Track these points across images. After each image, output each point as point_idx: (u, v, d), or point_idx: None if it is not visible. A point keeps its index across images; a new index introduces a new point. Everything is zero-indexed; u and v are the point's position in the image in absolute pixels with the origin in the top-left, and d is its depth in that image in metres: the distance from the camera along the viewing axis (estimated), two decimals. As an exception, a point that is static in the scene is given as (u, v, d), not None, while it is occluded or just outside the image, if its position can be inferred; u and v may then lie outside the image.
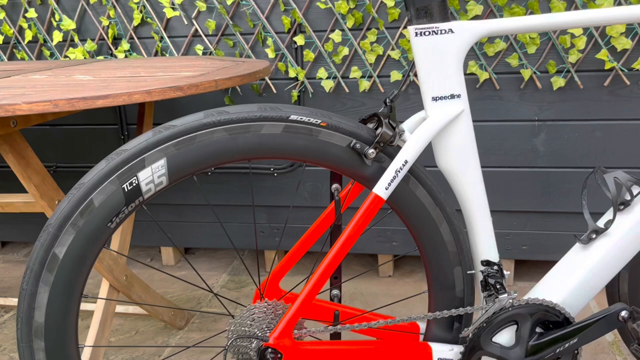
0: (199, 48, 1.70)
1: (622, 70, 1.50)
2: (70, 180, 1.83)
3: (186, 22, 1.69)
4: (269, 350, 0.82)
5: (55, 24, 1.76)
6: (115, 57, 1.75)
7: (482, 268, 0.90)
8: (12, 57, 1.83)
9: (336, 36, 1.60)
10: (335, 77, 1.65)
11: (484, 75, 1.56)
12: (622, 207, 0.90)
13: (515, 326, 0.90)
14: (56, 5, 1.73)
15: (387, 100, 0.84)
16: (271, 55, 1.65)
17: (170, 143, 0.76)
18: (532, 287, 0.96)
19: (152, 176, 0.76)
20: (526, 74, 1.54)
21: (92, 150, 1.86)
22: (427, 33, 0.79)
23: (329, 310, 0.98)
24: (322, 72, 1.65)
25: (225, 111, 0.78)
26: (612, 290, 1.07)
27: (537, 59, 1.54)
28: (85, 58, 1.76)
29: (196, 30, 1.69)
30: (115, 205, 0.76)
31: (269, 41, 1.65)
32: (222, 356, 0.87)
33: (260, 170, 1.77)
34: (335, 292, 1.02)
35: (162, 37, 1.71)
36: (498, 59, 1.55)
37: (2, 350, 1.53)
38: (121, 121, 1.81)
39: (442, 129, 0.83)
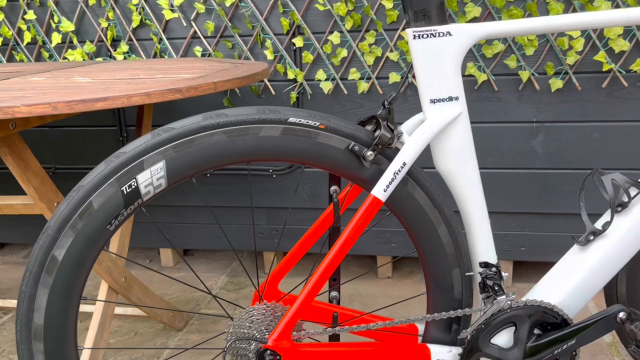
0: (197, 50, 1.70)
1: (620, 72, 1.51)
2: (69, 182, 1.84)
3: (185, 24, 1.69)
4: (268, 352, 0.82)
5: (54, 25, 1.76)
6: (114, 58, 1.76)
7: (481, 270, 0.90)
8: (10, 59, 1.83)
9: (335, 38, 1.61)
10: (334, 79, 1.65)
11: (482, 77, 1.56)
12: (620, 208, 0.90)
13: (514, 328, 0.90)
14: (55, 7, 1.74)
15: (386, 102, 0.84)
16: (270, 56, 1.66)
17: (169, 145, 0.76)
18: (530, 288, 0.96)
19: (151, 178, 0.76)
20: (524, 75, 1.54)
21: (91, 152, 1.86)
22: (425, 36, 0.79)
23: (328, 312, 0.98)
24: (320, 74, 1.65)
25: (224, 114, 0.78)
26: (610, 291, 1.07)
27: (535, 61, 1.54)
28: (84, 60, 1.77)
29: (195, 32, 1.69)
30: (114, 208, 0.76)
31: (268, 43, 1.65)
32: (221, 358, 0.87)
33: (259, 172, 1.78)
34: (334, 293, 1.03)
35: (160, 39, 1.72)
36: (496, 60, 1.56)
37: (1, 352, 1.53)
38: (120, 123, 1.81)
39: (440, 131, 0.83)
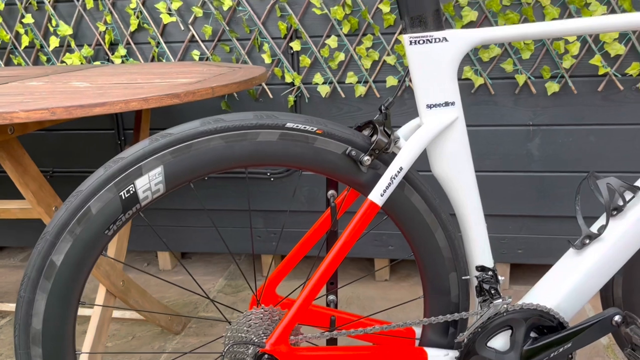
0: (195, 53, 1.71)
1: (615, 75, 1.52)
2: (66, 186, 1.84)
3: (183, 28, 1.70)
4: (266, 356, 0.82)
5: (52, 29, 1.76)
6: (112, 62, 1.76)
7: (477, 273, 0.91)
8: (8, 63, 1.83)
9: (332, 42, 1.61)
10: (331, 83, 1.66)
11: (479, 81, 1.57)
12: (615, 212, 0.91)
13: (510, 331, 0.90)
14: (53, 11, 1.74)
15: (382, 107, 0.84)
16: (267, 60, 1.66)
17: (167, 151, 0.77)
18: (527, 291, 0.97)
19: (149, 184, 0.77)
20: (521, 79, 1.55)
21: (88, 155, 1.86)
22: (421, 42, 0.80)
23: (326, 315, 0.98)
24: (318, 78, 1.65)
25: (222, 119, 0.79)
26: (606, 294, 1.08)
27: (531, 65, 1.55)
28: (82, 63, 1.77)
29: (193, 35, 1.70)
30: (113, 213, 0.76)
31: (266, 47, 1.66)
32: (219, 362, 0.87)
33: (256, 175, 1.78)
34: (331, 297, 1.03)
35: (158, 43, 1.72)
36: (493, 64, 1.56)
37: (0, 356, 1.53)
38: (118, 126, 1.82)
39: (437, 136, 0.84)
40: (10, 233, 2.02)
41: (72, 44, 1.76)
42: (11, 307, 1.65)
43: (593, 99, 1.55)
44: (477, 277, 0.90)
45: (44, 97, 0.95)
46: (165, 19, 1.68)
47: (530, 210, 1.67)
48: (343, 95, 1.67)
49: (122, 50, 1.73)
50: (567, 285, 0.92)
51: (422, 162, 0.88)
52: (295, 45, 1.63)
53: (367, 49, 1.61)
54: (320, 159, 0.82)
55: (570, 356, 0.92)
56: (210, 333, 1.59)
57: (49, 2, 1.73)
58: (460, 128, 0.85)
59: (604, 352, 1.43)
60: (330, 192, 0.96)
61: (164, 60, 1.74)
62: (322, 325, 0.99)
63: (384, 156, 0.84)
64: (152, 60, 1.75)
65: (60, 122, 1.20)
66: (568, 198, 1.64)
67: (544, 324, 0.91)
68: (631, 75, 1.51)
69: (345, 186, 0.96)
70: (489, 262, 0.91)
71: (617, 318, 0.89)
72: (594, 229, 0.92)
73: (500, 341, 0.91)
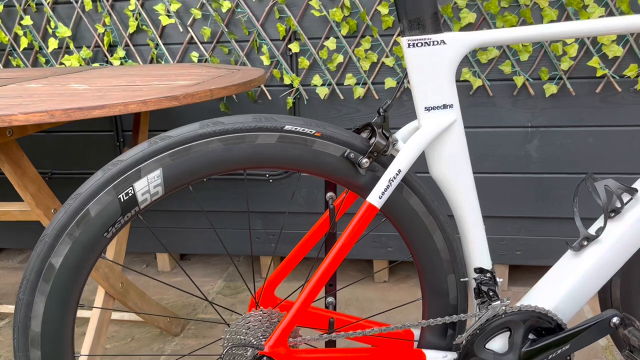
0: (194, 55, 1.71)
1: (613, 77, 1.52)
2: (65, 187, 1.84)
3: (181, 30, 1.70)
4: (264, 358, 0.82)
5: (50, 31, 1.77)
6: (111, 64, 1.76)
7: (475, 275, 0.91)
8: (7, 64, 1.83)
9: (331, 44, 1.61)
10: (330, 84, 1.66)
11: (477, 82, 1.58)
12: (613, 214, 0.91)
13: (508, 333, 0.91)
14: (52, 13, 1.74)
15: (381, 110, 0.85)
16: (266, 62, 1.66)
17: (166, 153, 0.77)
18: (526, 292, 0.97)
19: (148, 186, 0.77)
20: (519, 81, 1.55)
21: (87, 157, 1.86)
22: (419, 44, 0.80)
23: (324, 317, 0.99)
24: (317, 79, 1.66)
25: (221, 122, 0.79)
26: (604, 296, 1.08)
27: (529, 66, 1.55)
28: (80, 65, 1.77)
29: (192, 37, 1.70)
30: (112, 216, 0.76)
31: (264, 48, 1.66)
32: (218, 364, 0.87)
33: (255, 177, 1.78)
34: (330, 299, 1.03)
35: (157, 45, 1.72)
36: (491, 66, 1.57)
37: (-2, 358, 1.53)
38: (117, 128, 1.82)
39: (435, 139, 0.84)
40: (9, 235, 2.02)
41: (71, 46, 1.76)
42: (10, 308, 1.65)
43: (591, 100, 1.55)
44: (475, 279, 0.91)
45: (43, 99, 0.95)
46: (164, 20, 1.68)
47: (529, 211, 1.67)
48: (342, 97, 1.67)
49: (121, 52, 1.74)
50: (565, 287, 0.92)
51: (420, 163, 0.88)
52: (294, 47, 1.63)
53: (366, 50, 1.61)
54: (319, 162, 0.82)
55: (568, 358, 0.92)
56: (209, 334, 1.59)
57: (48, 3, 1.73)
58: (459, 130, 0.85)
59: (602, 354, 1.43)
60: (329, 194, 0.96)
61: (162, 62, 1.74)
62: (320, 327, 0.99)
63: (382, 159, 0.84)
64: (151, 61, 1.75)
65: (59, 124, 1.20)
66: (567, 199, 1.64)
67: (542, 326, 0.91)
68: (629, 77, 1.51)
69: (343, 189, 0.96)
70: (487, 264, 0.91)
71: (615, 320, 0.90)
72: (592, 230, 0.93)
73: (498, 343, 0.91)
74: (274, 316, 0.88)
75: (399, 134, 0.87)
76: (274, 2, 1.62)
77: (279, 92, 1.70)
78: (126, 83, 1.15)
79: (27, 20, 1.75)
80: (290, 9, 1.62)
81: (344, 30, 1.60)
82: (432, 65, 0.81)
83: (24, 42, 1.78)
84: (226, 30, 1.67)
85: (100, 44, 1.74)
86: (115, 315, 1.57)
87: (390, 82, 1.62)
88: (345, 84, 1.65)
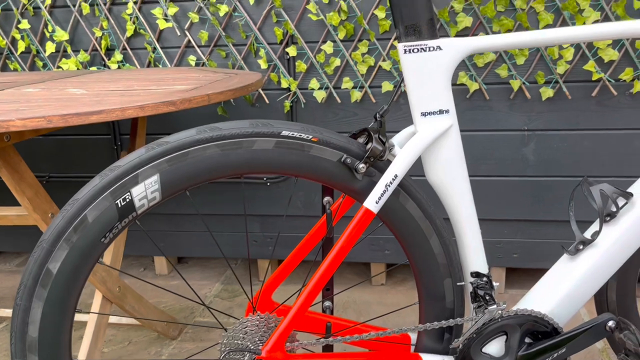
0: (191, 59, 1.71)
1: (609, 81, 1.53)
2: (63, 191, 1.84)
3: (179, 33, 1.70)
4: (262, 363, 0.82)
5: (48, 35, 1.77)
6: (109, 67, 1.76)
7: (472, 279, 0.91)
8: (4, 68, 1.83)
9: (328, 47, 1.62)
10: (327, 88, 1.66)
11: (474, 86, 1.58)
12: (609, 218, 0.92)
13: (505, 337, 0.91)
14: (49, 17, 1.74)
15: (377, 115, 0.85)
16: (264, 66, 1.67)
17: (163, 159, 0.77)
18: (523, 295, 0.97)
19: (145, 192, 0.77)
20: (515, 84, 1.56)
21: (85, 161, 1.86)
22: (415, 50, 0.81)
23: (322, 322, 0.99)
24: (314, 83, 1.66)
25: (218, 127, 0.79)
26: (601, 299, 1.08)
27: (526, 70, 1.56)
28: (78, 69, 1.77)
29: (189, 41, 1.70)
30: (109, 221, 0.77)
31: (262, 52, 1.66)
32: (215, 369, 0.87)
33: (253, 180, 1.78)
34: (327, 303, 1.03)
35: (155, 48, 1.72)
36: (488, 69, 1.57)
37: (-5, 362, 1.53)
38: (114, 132, 1.82)
39: (431, 144, 0.85)
40: (6, 238, 2.02)
41: (69, 50, 1.76)
42: (8, 312, 1.64)
43: (587, 104, 1.56)
44: (471, 283, 0.91)
45: (40, 104, 0.95)
46: (162, 24, 1.68)
47: (526, 214, 1.68)
48: (339, 101, 1.67)
49: (118, 56, 1.74)
50: (561, 291, 0.92)
51: (416, 167, 0.88)
52: (291, 51, 1.64)
53: (363, 54, 1.61)
54: (316, 167, 0.83)
55: (564, 361, 0.92)
56: (206, 338, 1.59)
57: (45, 7, 1.73)
58: (455, 135, 0.85)
59: (599, 356, 1.44)
60: (326, 198, 0.96)
61: (160, 66, 1.74)
62: (318, 331, 0.99)
63: (379, 164, 0.85)
64: (149, 65, 1.75)
65: (56, 129, 1.20)
66: (563, 202, 1.65)
67: (538, 330, 0.91)
68: (625, 80, 1.52)
69: (340, 193, 0.97)
70: (483, 268, 0.91)
71: (610, 323, 0.90)
72: (588, 234, 0.93)
73: (495, 347, 0.92)
74: (271, 321, 0.88)
75: (395, 139, 0.87)
76: (271, 6, 1.62)
77: (277, 95, 1.71)
78: (124, 87, 1.15)
79: (25, 24, 1.75)
80: (287, 12, 1.62)
81: (341, 34, 1.60)
82: (428, 71, 0.82)
83: (21, 46, 1.78)
84: (224, 34, 1.67)
85: (98, 48, 1.75)
86: (113, 319, 1.57)
87: (387, 86, 1.63)
88: (342, 87, 1.65)
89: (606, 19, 1.48)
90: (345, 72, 1.65)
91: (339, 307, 1.73)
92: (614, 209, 0.91)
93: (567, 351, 0.91)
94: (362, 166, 0.83)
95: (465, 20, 1.53)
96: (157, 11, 1.68)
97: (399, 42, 0.81)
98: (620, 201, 0.92)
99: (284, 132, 0.80)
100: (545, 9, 1.50)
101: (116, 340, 1.61)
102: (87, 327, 1.30)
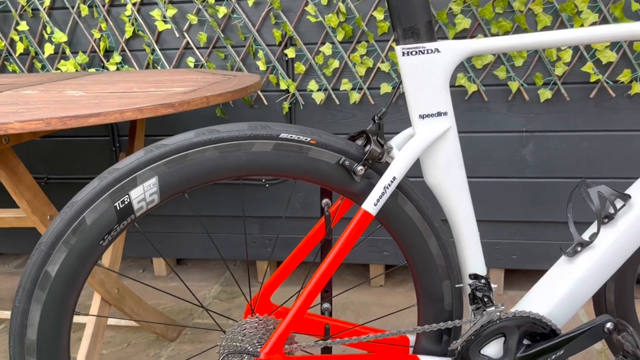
0: (190, 60, 1.71)
1: (607, 82, 1.53)
2: (61, 192, 1.84)
3: (177, 35, 1.70)
4: (260, 365, 0.83)
5: (46, 36, 1.77)
6: (107, 69, 1.76)
7: (470, 281, 0.91)
8: (3, 69, 1.83)
9: (327, 49, 1.62)
10: (325, 90, 1.67)
11: (472, 88, 1.58)
12: (607, 220, 0.92)
13: (503, 338, 0.91)
14: (48, 18, 1.74)
15: (376, 117, 0.85)
16: (262, 67, 1.67)
17: (161, 162, 0.77)
18: (521, 296, 0.97)
19: (143, 194, 0.77)
20: (514, 86, 1.56)
21: (83, 162, 1.86)
22: (413, 52, 0.81)
23: (320, 324, 0.99)
24: (312, 85, 1.66)
25: (216, 130, 0.79)
26: (599, 300, 1.09)
27: (524, 72, 1.56)
28: (76, 71, 1.77)
29: (188, 42, 1.70)
30: (108, 224, 0.77)
31: (260, 54, 1.66)
32: (214, 371, 0.88)
33: (251, 182, 1.78)
34: (326, 305, 1.03)
35: (153, 50, 1.73)
36: (486, 71, 1.58)
37: (-7, 364, 1.53)
38: (113, 133, 1.82)
39: (430, 146, 0.85)
40: (5, 240, 2.01)
41: (67, 51, 1.76)
42: (6, 314, 1.64)
43: (585, 105, 1.56)
44: (470, 285, 0.91)
45: (39, 107, 0.95)
46: (160, 26, 1.69)
47: (524, 215, 1.68)
48: (337, 102, 1.67)
49: (117, 57, 1.74)
50: (559, 293, 0.92)
51: (415, 169, 0.88)
52: (290, 53, 1.64)
53: (362, 56, 1.61)
54: (314, 169, 0.83)
55: (563, 363, 0.92)
56: (205, 340, 1.59)
57: (44, 9, 1.73)
58: (453, 138, 0.85)
59: (597, 358, 1.44)
60: (325, 200, 0.96)
61: (159, 67, 1.75)
62: (316, 333, 0.99)
63: (377, 166, 0.85)
64: (147, 67, 1.75)
65: (55, 131, 1.20)
66: (561, 204, 1.65)
67: (536, 331, 0.91)
68: (623, 82, 1.52)
69: (339, 195, 0.97)
70: (481, 270, 0.92)
71: (609, 325, 0.90)
72: (586, 236, 0.93)
73: (493, 348, 0.92)
74: (269, 323, 0.88)
75: (393, 141, 0.88)
76: (270, 7, 1.62)
77: (275, 97, 1.71)
78: (122, 89, 1.15)
79: (23, 26, 1.75)
80: (286, 14, 1.62)
81: (340, 36, 1.61)
82: (426, 74, 0.82)
83: (20, 48, 1.78)
84: (222, 35, 1.67)
85: (97, 49, 1.75)
86: (112, 321, 1.57)
87: (385, 88, 1.63)
88: (341, 89, 1.66)
89: (604, 20, 1.49)
90: (343, 73, 1.65)
91: (337, 309, 1.73)
92: (612, 210, 0.91)
93: (565, 353, 0.91)
94: (360, 168, 0.83)
95: (464, 22, 1.54)
96: (155, 13, 1.68)
97: (397, 45, 0.82)
98: (618, 203, 0.92)
99: (283, 135, 0.81)
100: (544, 11, 1.51)
101: (115, 342, 1.61)
102: (86, 329, 1.30)
